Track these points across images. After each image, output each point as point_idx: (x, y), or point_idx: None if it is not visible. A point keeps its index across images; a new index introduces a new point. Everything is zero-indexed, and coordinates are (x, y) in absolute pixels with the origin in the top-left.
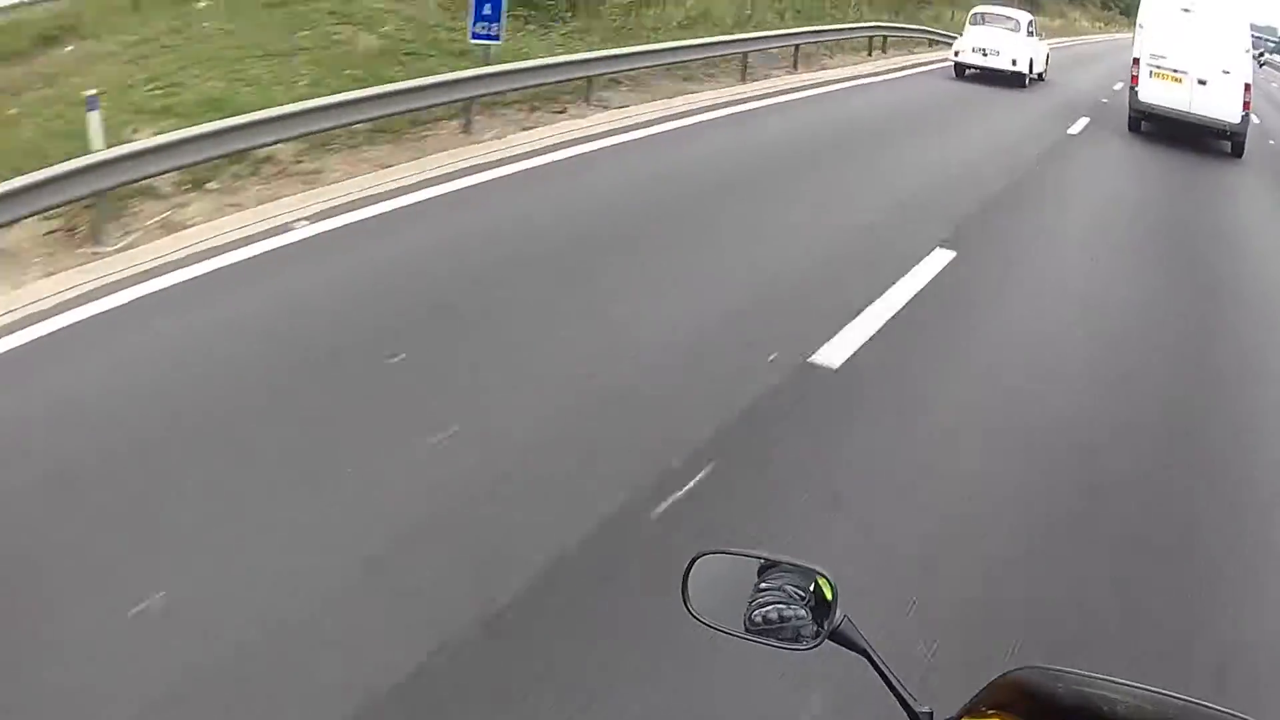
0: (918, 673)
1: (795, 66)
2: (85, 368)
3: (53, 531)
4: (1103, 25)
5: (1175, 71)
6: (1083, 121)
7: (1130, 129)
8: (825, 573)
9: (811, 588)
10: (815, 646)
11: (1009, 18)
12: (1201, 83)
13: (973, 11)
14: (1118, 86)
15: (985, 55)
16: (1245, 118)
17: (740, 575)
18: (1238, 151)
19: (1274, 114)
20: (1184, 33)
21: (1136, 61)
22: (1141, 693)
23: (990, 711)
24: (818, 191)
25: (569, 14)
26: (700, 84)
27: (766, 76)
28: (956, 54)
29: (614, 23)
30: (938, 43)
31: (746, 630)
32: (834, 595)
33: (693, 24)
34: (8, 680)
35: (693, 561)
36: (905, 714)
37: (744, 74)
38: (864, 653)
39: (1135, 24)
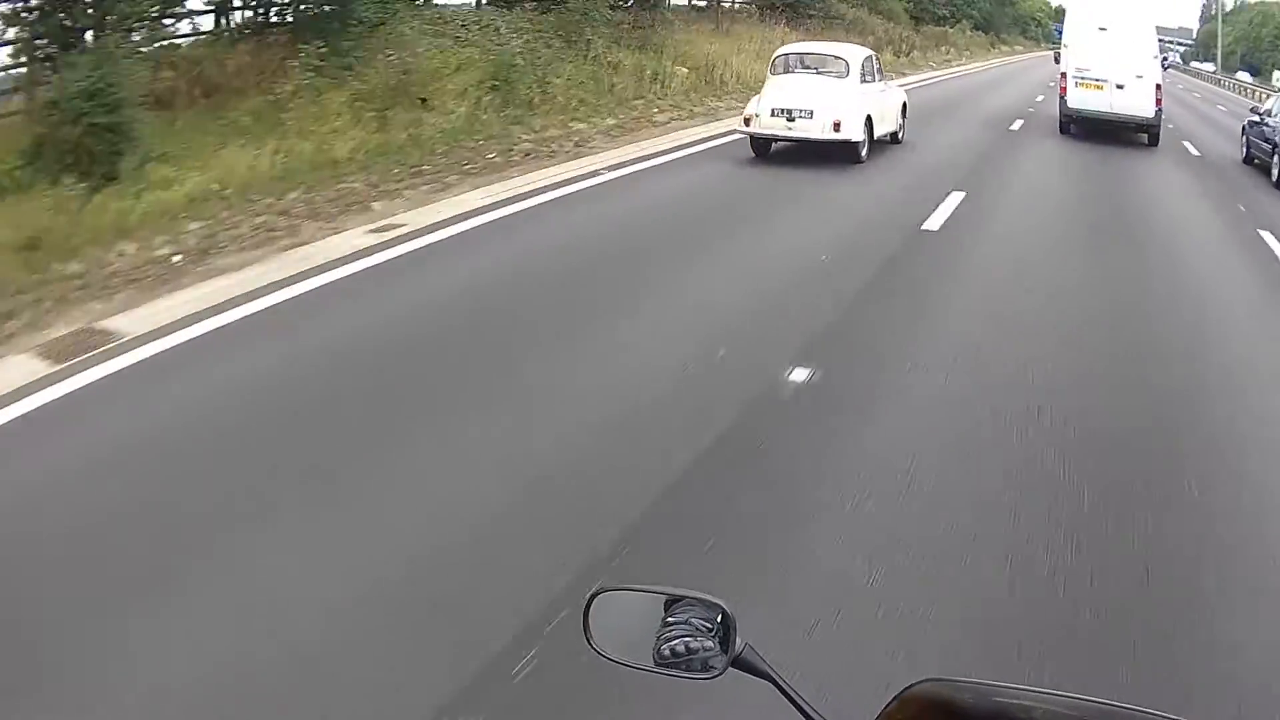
0: None
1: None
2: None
3: None
4: (1022, 48)
5: (1097, 80)
6: (941, 216)
7: (1061, 131)
8: (725, 605)
9: (719, 619)
10: (719, 675)
11: (831, 58)
12: (1119, 87)
13: (776, 55)
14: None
15: (792, 119)
16: (1158, 112)
17: (643, 610)
18: (1153, 141)
19: (1177, 109)
20: (1102, 47)
21: (1064, 75)
22: (1057, 699)
23: None
24: None
25: None
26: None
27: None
28: (747, 122)
29: None
30: None
31: (655, 664)
32: (733, 625)
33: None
34: None
35: (592, 598)
36: None
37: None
38: (768, 677)
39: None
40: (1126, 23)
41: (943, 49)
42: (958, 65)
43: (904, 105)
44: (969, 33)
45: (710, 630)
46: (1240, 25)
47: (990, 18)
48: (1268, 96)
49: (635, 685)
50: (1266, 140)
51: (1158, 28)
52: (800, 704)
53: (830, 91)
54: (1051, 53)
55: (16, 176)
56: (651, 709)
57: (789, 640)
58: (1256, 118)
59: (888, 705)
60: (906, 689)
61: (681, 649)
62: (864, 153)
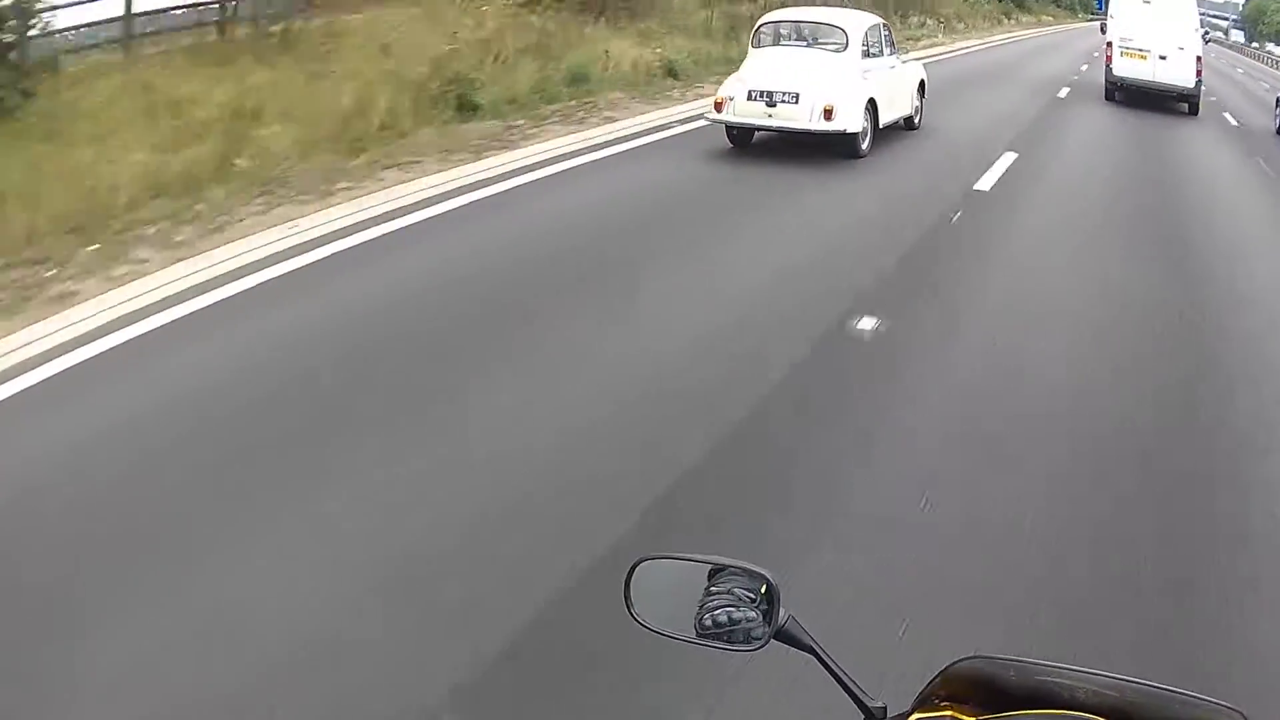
0: None
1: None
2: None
3: None
4: (1052, 19)
5: (1141, 50)
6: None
7: (1106, 98)
8: (768, 575)
9: (763, 589)
10: (761, 647)
11: (827, 27)
12: (1162, 58)
13: (760, 23)
14: (1005, 162)
15: (773, 104)
16: (1198, 83)
17: (686, 580)
18: (1193, 110)
19: (1214, 79)
20: (1146, 19)
21: (1110, 44)
22: (1099, 679)
23: (943, 703)
24: None
25: None
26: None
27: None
28: (719, 106)
29: None
30: None
31: (697, 635)
32: (777, 596)
33: None
34: None
35: (633, 567)
36: (858, 710)
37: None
38: (811, 650)
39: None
40: None
41: (915, 20)
42: (934, 47)
43: (921, 84)
44: None
45: (754, 601)
46: None
47: None
48: None
49: None
50: None
51: (1204, 0)
52: (842, 677)
53: (823, 69)
54: (1086, 24)
55: None
56: None
57: None
58: None
59: (931, 681)
60: (950, 665)
61: (724, 619)
62: (865, 146)
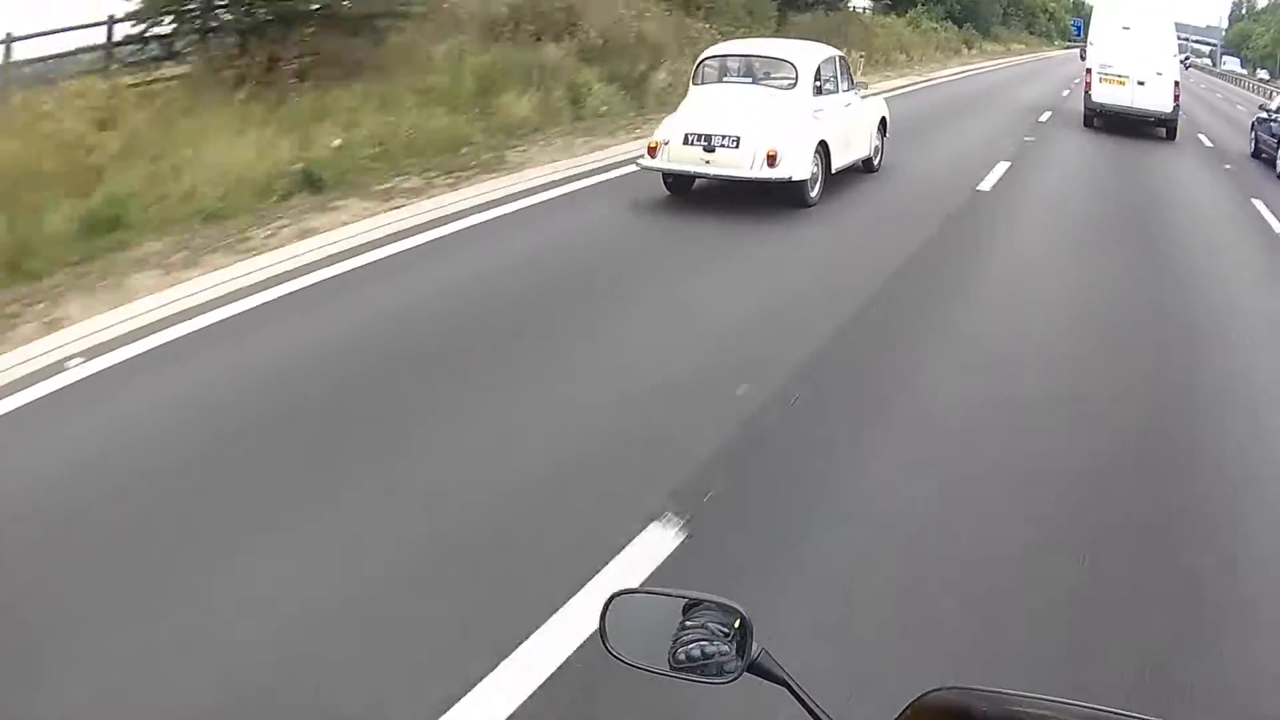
0: None
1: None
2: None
3: None
4: (1024, 46)
5: (1119, 76)
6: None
7: (1085, 124)
8: (742, 610)
9: (736, 624)
10: (734, 679)
11: (775, 62)
12: (1140, 83)
13: (703, 58)
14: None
15: (711, 149)
16: (1176, 108)
17: (661, 614)
18: (1171, 135)
19: (1192, 103)
20: (1125, 46)
21: (1089, 71)
22: (1074, 709)
23: None
24: None
25: None
26: None
27: None
28: (652, 151)
29: None
30: None
31: (671, 668)
32: (750, 630)
33: None
34: None
35: (609, 601)
36: None
37: None
38: (784, 683)
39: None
40: (1149, 22)
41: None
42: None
43: (882, 121)
44: (927, 25)
45: (727, 635)
46: (1274, 25)
47: (972, 3)
48: (1276, 95)
49: None
50: (1273, 135)
51: (1186, 26)
52: (815, 710)
53: (768, 109)
54: (1063, 52)
55: None
56: None
57: None
58: (1265, 114)
59: (903, 712)
60: (920, 697)
61: (697, 653)
62: (814, 193)
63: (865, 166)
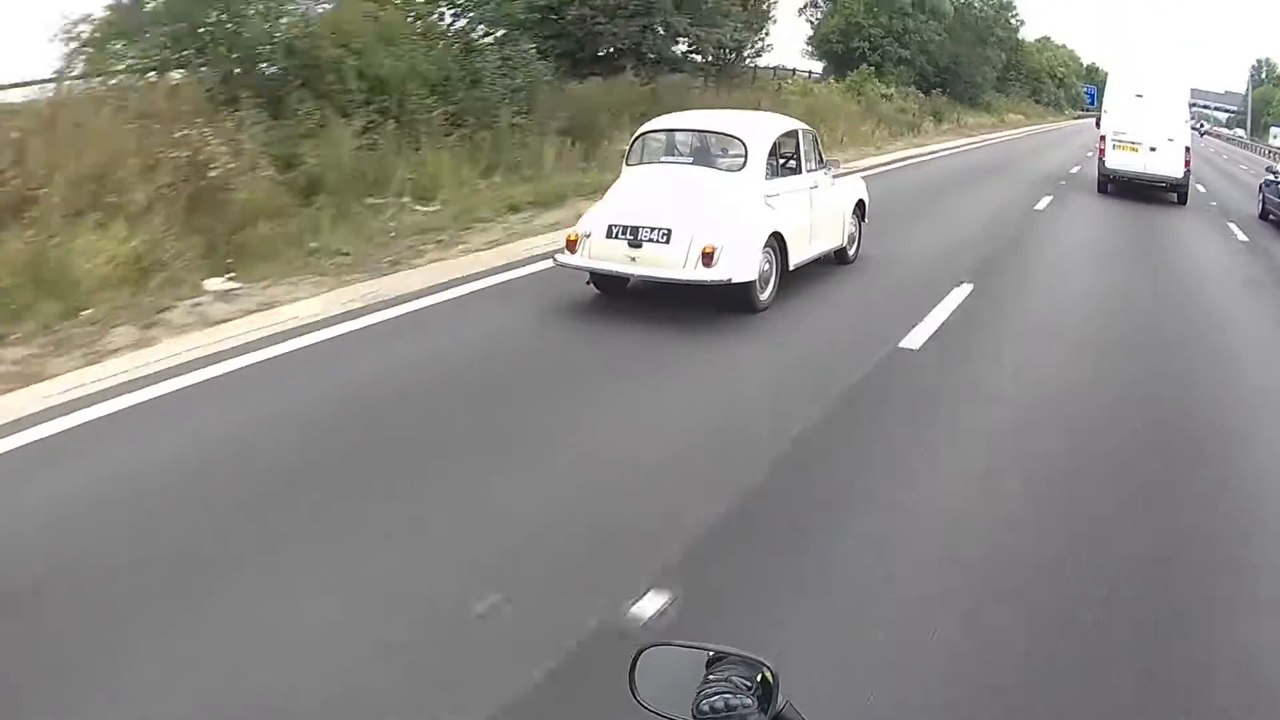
0: None
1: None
2: None
3: None
4: (1023, 117)
5: (1133, 143)
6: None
7: (1099, 190)
8: (768, 663)
9: (759, 678)
10: None
11: (722, 138)
12: (1152, 149)
13: (640, 133)
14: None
15: (638, 244)
16: (1187, 173)
17: (687, 666)
18: (1182, 200)
19: (1204, 168)
20: (1138, 113)
21: (1103, 138)
22: None
23: None
24: None
25: None
26: None
27: None
28: (572, 246)
29: None
30: None
31: (694, 719)
32: (776, 683)
33: None
34: None
35: (639, 653)
36: None
37: None
38: None
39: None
40: (1162, 90)
41: None
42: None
43: (860, 204)
44: (874, 91)
45: (750, 688)
46: None
47: (953, 65)
48: None
49: None
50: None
51: (1204, 92)
52: None
53: (709, 196)
54: (1066, 123)
55: None
56: None
57: None
58: (1272, 176)
59: None
60: None
61: (720, 705)
62: (765, 296)
63: (838, 258)
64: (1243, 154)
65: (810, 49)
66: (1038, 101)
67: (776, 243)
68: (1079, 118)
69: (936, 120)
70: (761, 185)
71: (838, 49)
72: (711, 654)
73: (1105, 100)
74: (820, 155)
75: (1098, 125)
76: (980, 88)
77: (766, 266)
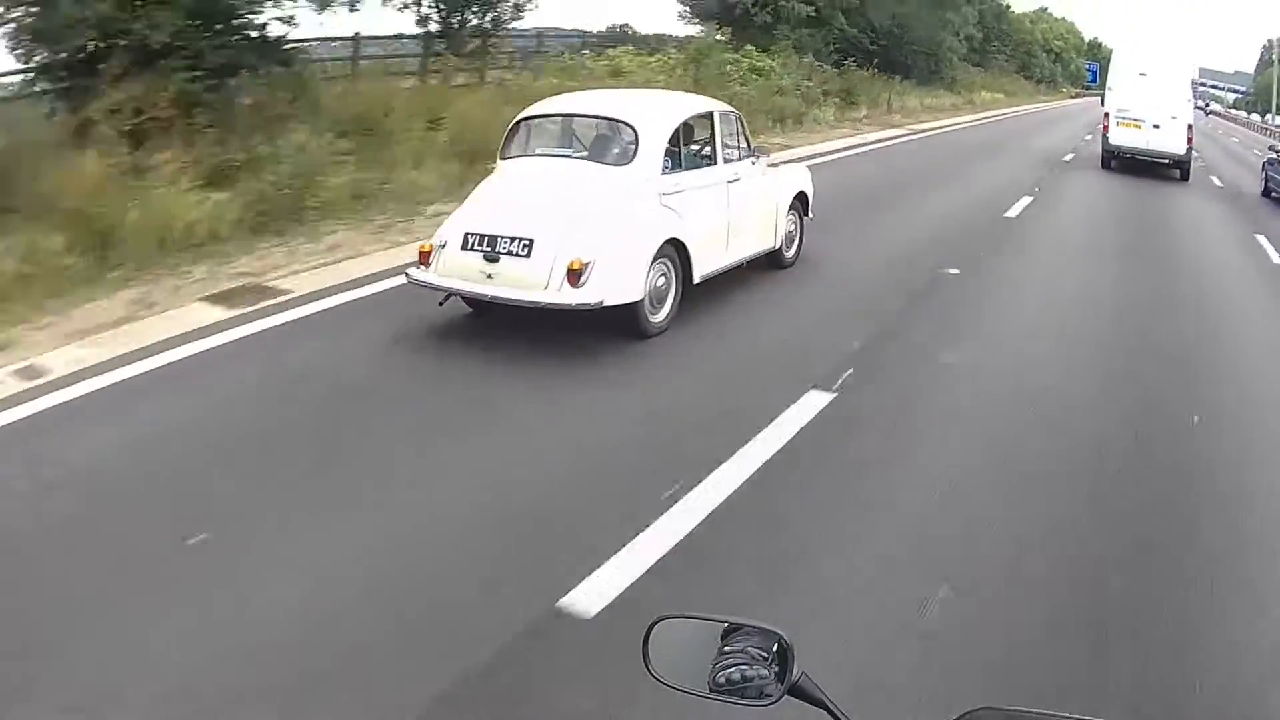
0: None
1: None
2: None
3: None
4: (1004, 96)
5: (1136, 120)
6: None
7: (1102, 166)
8: (784, 634)
9: (775, 648)
10: (775, 702)
11: (611, 124)
12: (1155, 127)
13: (518, 119)
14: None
15: (494, 258)
16: (1189, 150)
17: (702, 638)
18: (1184, 176)
19: (1206, 143)
20: (1141, 91)
21: (1107, 115)
22: None
23: None
24: None
25: None
26: None
27: None
28: (424, 258)
29: None
30: None
31: (711, 690)
32: (791, 654)
33: None
34: None
35: (653, 625)
36: None
37: None
38: (823, 706)
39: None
40: (1165, 69)
41: None
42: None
43: (800, 197)
44: (779, 63)
45: (766, 659)
46: None
47: (896, 29)
48: None
49: None
50: None
51: (1214, 72)
52: None
53: (582, 197)
54: (1072, 101)
55: None
56: None
57: None
58: (1275, 155)
59: None
60: (961, 716)
61: (737, 676)
62: (660, 318)
63: (771, 260)
64: (1253, 135)
65: (686, 9)
66: (1028, 78)
67: (675, 251)
68: (1077, 96)
69: (845, 104)
70: (656, 181)
71: (713, 6)
72: (726, 625)
73: (1109, 78)
74: (746, 141)
75: (1103, 103)
76: (942, 59)
77: (661, 281)
